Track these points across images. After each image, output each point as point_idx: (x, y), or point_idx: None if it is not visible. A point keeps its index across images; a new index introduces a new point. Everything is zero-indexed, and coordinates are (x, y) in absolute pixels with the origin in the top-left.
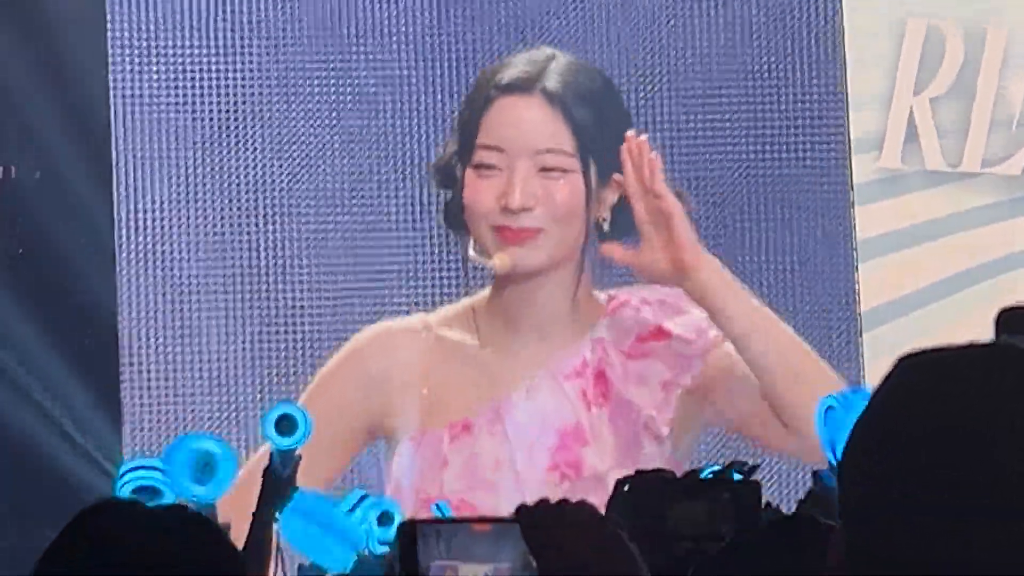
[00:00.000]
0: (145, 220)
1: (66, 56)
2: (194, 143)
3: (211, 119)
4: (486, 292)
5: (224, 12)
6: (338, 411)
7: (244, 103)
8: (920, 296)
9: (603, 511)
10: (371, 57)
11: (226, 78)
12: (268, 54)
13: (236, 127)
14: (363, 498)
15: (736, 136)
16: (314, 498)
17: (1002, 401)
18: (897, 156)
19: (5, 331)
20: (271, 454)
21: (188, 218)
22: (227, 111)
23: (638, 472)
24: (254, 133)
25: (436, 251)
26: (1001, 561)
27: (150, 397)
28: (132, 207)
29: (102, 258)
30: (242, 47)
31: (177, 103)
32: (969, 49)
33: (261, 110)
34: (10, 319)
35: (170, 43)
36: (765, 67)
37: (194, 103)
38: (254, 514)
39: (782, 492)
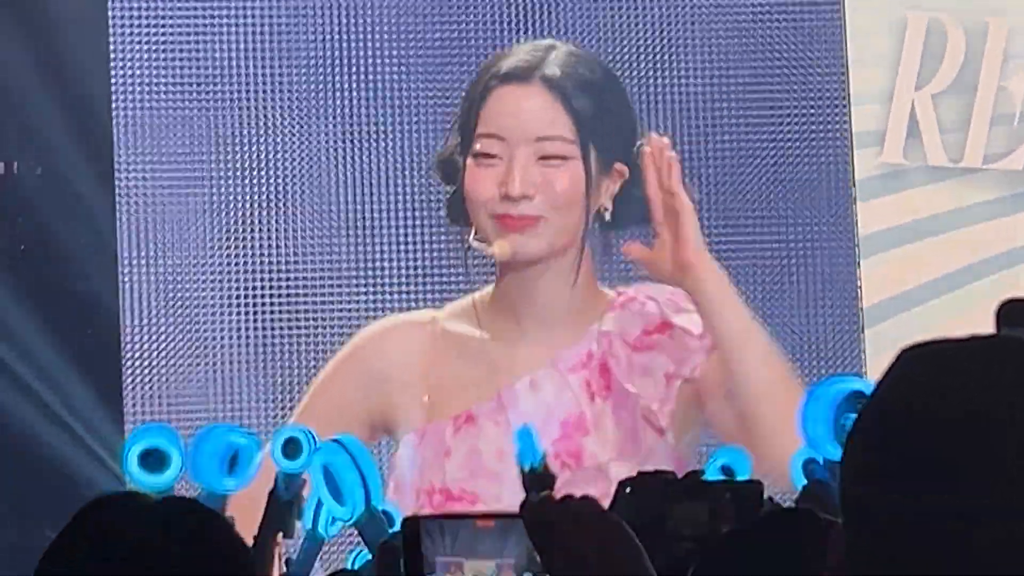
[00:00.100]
0: (147, 217)
1: (67, 52)
2: (196, 140)
3: (213, 116)
4: (490, 288)
5: (226, 9)
6: (342, 406)
7: (246, 100)
8: (922, 292)
9: (604, 503)
10: (373, 54)
11: (228, 75)
12: (270, 51)
13: (238, 124)
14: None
15: (737, 132)
16: (360, 445)
17: (1002, 394)
18: (899, 151)
19: (6, 328)
20: (276, 476)
21: (190, 215)
22: (229, 108)
23: (640, 473)
24: (256, 130)
25: (441, 248)
26: (1002, 561)
27: (152, 395)
28: (134, 204)
29: (104, 255)
30: (243, 44)
31: (179, 100)
32: (970, 44)
33: (263, 107)
34: (11, 316)
35: (171, 40)
36: (765, 63)
37: (196, 100)
38: (255, 537)
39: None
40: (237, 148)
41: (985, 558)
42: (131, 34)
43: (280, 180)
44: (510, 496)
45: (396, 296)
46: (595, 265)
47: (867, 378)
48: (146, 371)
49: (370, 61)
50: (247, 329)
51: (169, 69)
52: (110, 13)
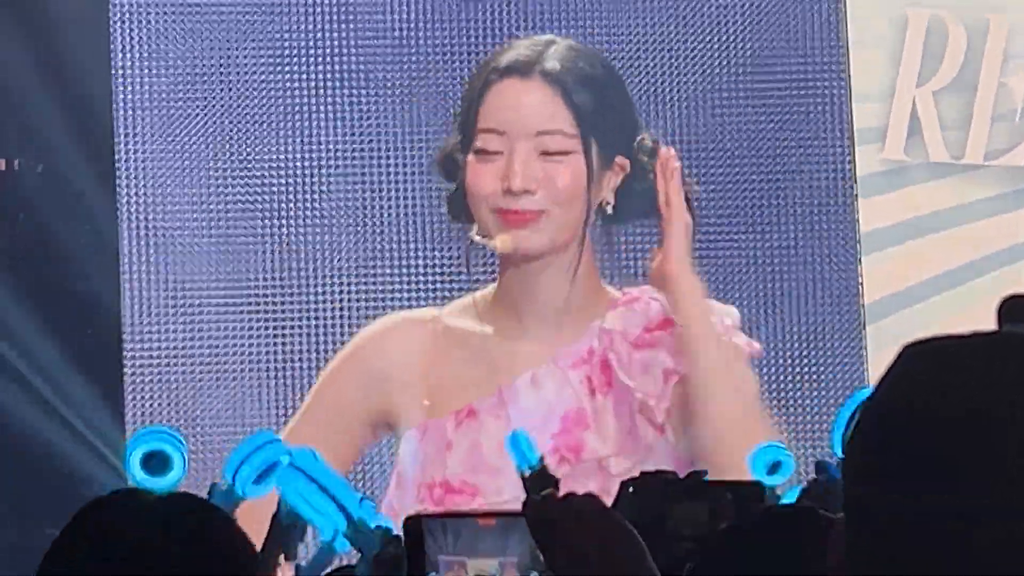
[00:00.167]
0: (148, 215)
1: (69, 51)
2: (197, 138)
3: (214, 114)
4: (492, 286)
5: (226, 8)
6: (343, 406)
7: (247, 98)
8: (924, 288)
9: (603, 497)
10: (376, 51)
11: (229, 73)
12: (272, 49)
13: (239, 122)
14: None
15: (739, 128)
16: (316, 460)
17: (1003, 392)
18: (900, 148)
19: (7, 326)
20: (279, 502)
21: (190, 213)
22: (230, 106)
23: (642, 473)
24: (257, 128)
25: (443, 246)
26: (1002, 561)
27: (152, 393)
28: (135, 202)
29: (105, 254)
30: (244, 43)
31: (180, 98)
32: (971, 41)
33: (264, 105)
34: (12, 315)
35: (173, 37)
36: (768, 59)
37: (197, 98)
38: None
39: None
40: (237, 147)
41: (985, 558)
42: (132, 32)
43: (281, 179)
44: (511, 489)
45: (398, 295)
46: (597, 261)
47: (869, 374)
48: (147, 370)
49: (371, 58)
50: (248, 328)
51: (170, 67)
52: (111, 12)
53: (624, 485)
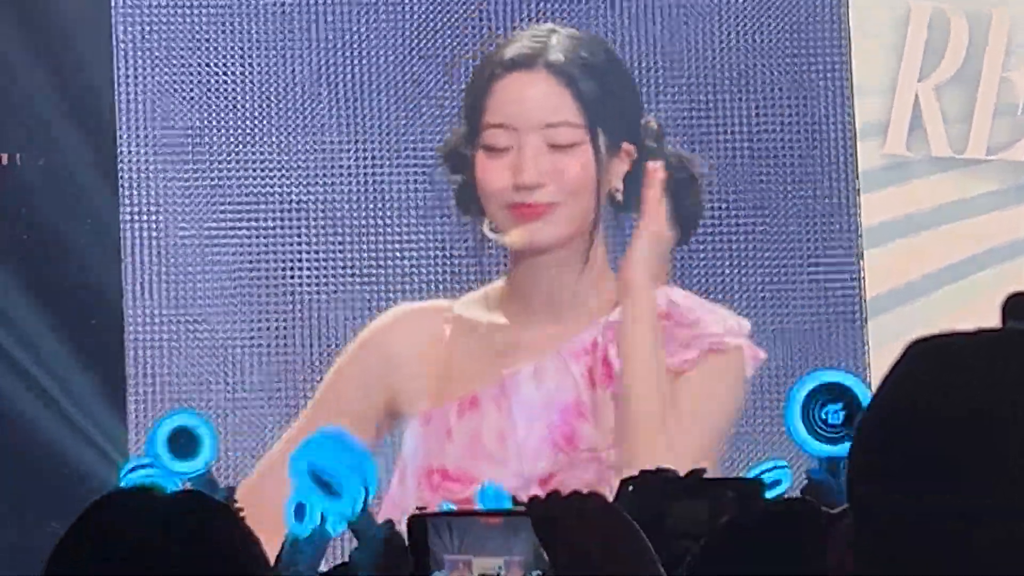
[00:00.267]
0: (150, 209)
1: (71, 46)
2: (200, 132)
3: (217, 108)
4: (502, 280)
5: (229, 5)
6: (353, 396)
7: (250, 91)
8: (925, 283)
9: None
10: (378, 46)
11: (232, 67)
12: (274, 44)
13: (242, 115)
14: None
15: (740, 123)
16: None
17: (1006, 392)
18: (902, 143)
19: (9, 320)
20: (283, 541)
21: (193, 207)
22: (233, 99)
23: (642, 472)
24: (260, 121)
25: (451, 238)
26: (1002, 561)
27: (156, 387)
28: (137, 197)
29: (106, 248)
30: (247, 38)
31: (183, 92)
32: (973, 35)
33: (266, 98)
34: (15, 309)
35: (175, 32)
36: (769, 54)
37: (200, 92)
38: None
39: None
40: (242, 138)
41: (986, 558)
42: (134, 28)
43: (286, 173)
44: (509, 479)
45: (406, 289)
46: (610, 252)
47: (870, 370)
48: (150, 363)
49: (375, 54)
50: (251, 323)
51: (172, 62)
52: (113, 7)
53: (624, 483)
